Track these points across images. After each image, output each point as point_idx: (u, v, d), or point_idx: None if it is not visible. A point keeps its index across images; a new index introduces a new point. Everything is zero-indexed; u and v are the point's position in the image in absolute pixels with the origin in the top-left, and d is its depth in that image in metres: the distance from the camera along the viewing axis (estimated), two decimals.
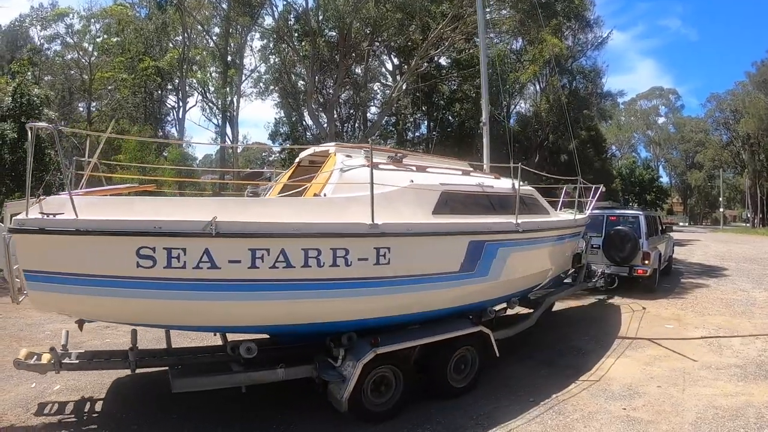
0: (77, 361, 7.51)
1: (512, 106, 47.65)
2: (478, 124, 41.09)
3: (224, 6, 38.27)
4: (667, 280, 21.06)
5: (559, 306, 14.99)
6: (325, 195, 7.59)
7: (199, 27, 42.54)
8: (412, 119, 45.58)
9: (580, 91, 45.38)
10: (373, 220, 7.03)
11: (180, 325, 7.70)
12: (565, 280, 14.81)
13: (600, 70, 47.91)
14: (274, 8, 35.47)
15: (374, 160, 7.81)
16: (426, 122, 46.04)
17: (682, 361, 10.42)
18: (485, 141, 16.59)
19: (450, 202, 8.61)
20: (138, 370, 7.79)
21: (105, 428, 7.16)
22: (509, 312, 11.44)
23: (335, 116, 39.57)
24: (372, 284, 7.27)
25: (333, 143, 9.47)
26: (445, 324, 8.50)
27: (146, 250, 5.88)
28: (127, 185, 8.64)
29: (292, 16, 36.14)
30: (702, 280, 21.60)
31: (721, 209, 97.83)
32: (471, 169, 10.93)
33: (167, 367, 7.80)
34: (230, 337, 8.21)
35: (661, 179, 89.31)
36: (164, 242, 5.93)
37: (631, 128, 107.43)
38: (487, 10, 31.41)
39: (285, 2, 35.36)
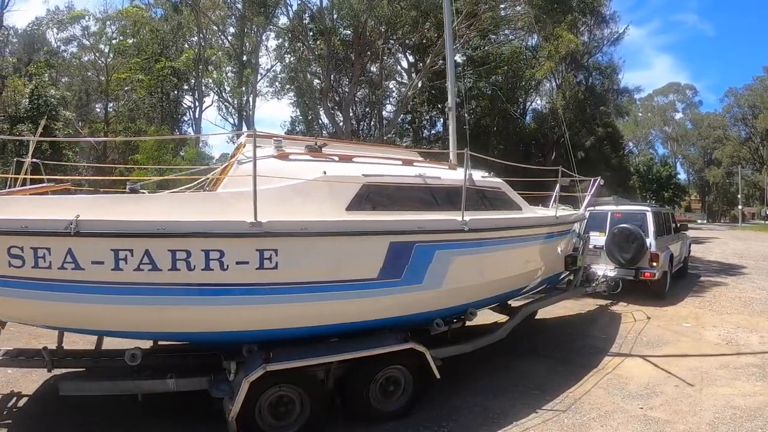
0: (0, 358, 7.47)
1: (528, 103, 47.50)
2: (495, 120, 41.47)
3: (239, 6, 38.37)
4: (681, 284, 19.03)
5: (560, 312, 14.52)
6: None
7: (215, 27, 42.65)
8: (427, 117, 45.49)
9: (596, 88, 45.15)
10: (255, 218, 6.21)
11: (53, 326, 7.17)
12: (561, 284, 13.33)
13: (616, 66, 47.63)
14: (289, 8, 35.51)
15: (290, 150, 7.70)
16: (442, 120, 45.91)
17: (699, 360, 10.30)
18: (451, 128, 14.87)
19: (374, 196, 7.68)
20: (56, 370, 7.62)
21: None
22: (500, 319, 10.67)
23: (351, 115, 39.57)
24: (256, 291, 6.47)
25: (248, 131, 8.33)
26: (368, 339, 7.47)
27: (16, 250, 5.73)
28: (44, 185, 8.24)
29: (306, 15, 36.14)
30: (720, 279, 21.23)
31: (740, 206, 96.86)
32: (419, 158, 9.85)
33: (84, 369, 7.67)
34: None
35: (678, 176, 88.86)
36: (31, 241, 5.73)
37: (648, 124, 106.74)
38: (502, 6, 31.34)
39: (299, 1, 35.37)
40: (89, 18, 43.05)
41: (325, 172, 7.38)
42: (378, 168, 8.29)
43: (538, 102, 49.75)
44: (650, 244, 15.74)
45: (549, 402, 8.22)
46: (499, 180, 10.20)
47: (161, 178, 10.86)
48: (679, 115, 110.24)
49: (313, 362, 6.85)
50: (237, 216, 6.26)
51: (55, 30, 44.98)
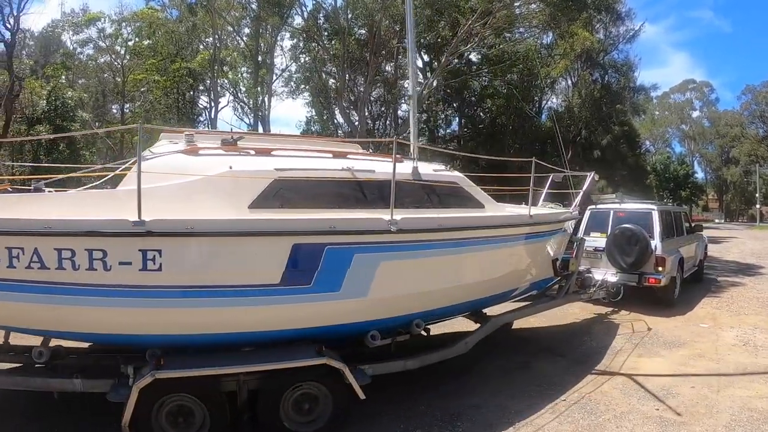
0: None
1: (544, 102, 47.35)
2: (510, 119, 41.40)
3: (254, 7, 38.46)
4: (695, 289, 17.56)
5: (576, 312, 14.25)
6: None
7: (230, 28, 42.74)
8: (443, 116, 45.48)
9: (612, 86, 45.01)
10: (139, 217, 5.86)
11: None
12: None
13: (632, 63, 47.44)
14: (304, 8, 35.63)
15: (204, 145, 7.46)
16: (457, 119, 45.90)
17: (716, 362, 10.18)
18: (412, 118, 12.99)
19: (285, 192, 7.11)
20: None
21: None
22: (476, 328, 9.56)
23: (366, 114, 39.60)
24: (140, 294, 6.16)
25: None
26: (277, 352, 6.92)
27: None
28: None
29: (321, 15, 36.30)
30: (738, 279, 20.93)
31: (758, 205, 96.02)
32: (359, 151, 9.34)
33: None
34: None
35: (696, 175, 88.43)
36: None
37: (665, 122, 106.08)
38: (516, 4, 31.24)
39: (314, 2, 35.54)
40: (105, 20, 43.25)
41: (231, 167, 6.97)
42: (298, 162, 7.71)
43: (554, 100, 49.63)
44: (655, 246, 14.30)
45: (564, 402, 8.16)
46: (456, 174, 9.31)
47: (67, 175, 10.48)
48: (696, 113, 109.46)
49: (209, 372, 6.40)
50: (134, 214, 5.92)
51: (71, 32, 45.20)
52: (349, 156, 8.42)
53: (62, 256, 5.85)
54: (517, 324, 12.04)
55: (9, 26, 32.49)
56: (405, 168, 8.38)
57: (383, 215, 7.23)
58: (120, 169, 7.25)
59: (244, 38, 43.04)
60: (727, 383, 9.04)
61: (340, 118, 39.97)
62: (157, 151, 7.60)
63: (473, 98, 43.14)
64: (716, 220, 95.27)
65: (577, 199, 12.34)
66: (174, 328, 6.54)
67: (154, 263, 6.03)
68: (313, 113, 45.66)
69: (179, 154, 7.25)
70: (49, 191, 7.67)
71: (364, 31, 35.06)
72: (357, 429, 7.32)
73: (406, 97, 43.20)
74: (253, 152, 7.76)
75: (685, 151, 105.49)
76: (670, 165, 78.74)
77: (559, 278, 11.91)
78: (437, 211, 8.32)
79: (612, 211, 15.74)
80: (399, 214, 7.34)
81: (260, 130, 42.35)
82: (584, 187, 12.52)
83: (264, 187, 6.95)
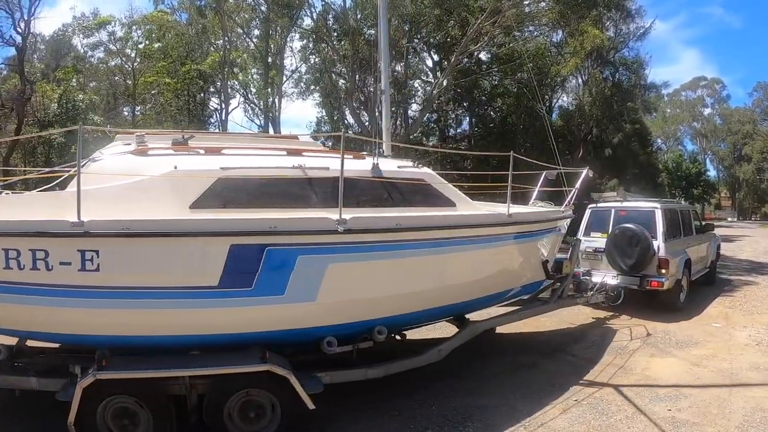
0: None
1: (554, 100, 47.18)
2: (521, 118, 41.28)
3: (263, 9, 38.52)
4: (706, 292, 16.80)
5: (588, 312, 14.00)
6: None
7: (239, 30, 42.86)
8: (453, 116, 45.40)
9: (623, 84, 44.70)
10: (78, 218, 5.89)
11: None
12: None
13: (643, 61, 46.97)
14: (313, 9, 35.65)
15: (155, 146, 7.37)
16: (468, 118, 45.79)
17: (729, 362, 10.11)
18: (384, 114, 13.12)
19: (228, 192, 6.95)
20: None
21: None
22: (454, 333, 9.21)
23: (376, 114, 39.52)
24: (80, 294, 6.14)
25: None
26: (220, 357, 6.77)
27: None
28: None
29: (330, 16, 36.25)
30: (751, 278, 20.77)
31: None
32: (314, 148, 8.91)
33: None
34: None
35: (708, 173, 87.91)
36: None
37: (676, 120, 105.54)
38: (526, 2, 31.17)
39: (323, 3, 35.50)
40: (115, 23, 43.45)
41: (175, 167, 6.86)
42: (245, 160, 7.52)
43: (565, 99, 49.44)
44: (658, 247, 13.48)
45: (575, 402, 8.13)
46: (424, 171, 8.86)
47: (19, 177, 10.47)
48: (707, 111, 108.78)
49: (147, 375, 6.33)
50: (83, 215, 5.96)
51: (81, 36, 45.42)
52: (304, 153, 8.01)
53: (9, 256, 5.92)
54: (528, 325, 11.97)
55: (20, 30, 32.72)
56: (364, 165, 8.11)
57: (331, 214, 6.93)
58: (73, 171, 6.94)
59: (254, 40, 43.15)
60: (740, 383, 8.98)
61: (350, 119, 39.96)
62: (107, 153, 7.57)
63: (483, 97, 43.00)
64: (729, 219, 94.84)
65: (569, 198, 11.75)
66: (114, 329, 6.48)
67: (92, 263, 6.04)
68: (324, 114, 45.64)
69: (128, 154, 7.22)
70: (7, 193, 7.90)
71: (373, 32, 35.00)
72: (367, 427, 7.32)
73: (415, 97, 43.65)
74: (202, 151, 7.61)
75: (697, 148, 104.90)
76: (682, 163, 78.33)
77: (552, 281, 11.57)
78: (400, 210, 7.92)
79: (613, 210, 15.07)
80: (353, 213, 7.10)
81: (271, 131, 42.51)
82: (577, 184, 11.97)
83: (206, 187, 6.83)
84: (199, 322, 6.64)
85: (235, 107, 49.66)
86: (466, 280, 8.86)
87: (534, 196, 11.83)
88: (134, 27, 43.53)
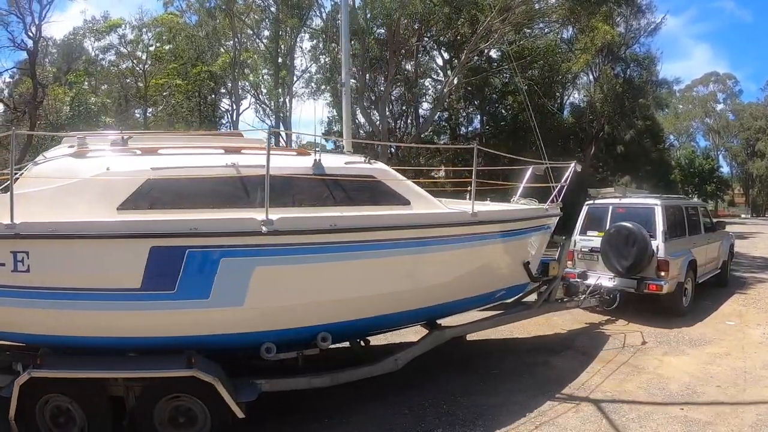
0: None
1: (565, 98, 47.04)
2: (533, 116, 41.10)
3: (273, 10, 38.63)
4: (716, 294, 15.90)
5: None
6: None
7: (249, 31, 42.99)
8: (464, 114, 45.35)
9: (634, 80, 44.41)
10: (12, 220, 5.96)
11: None
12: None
13: (654, 57, 46.69)
14: (322, 9, 35.71)
15: (95, 147, 7.28)
16: (479, 116, 45.71)
17: (743, 360, 10.03)
18: (345, 108, 12.64)
19: (157, 193, 6.75)
20: None
21: None
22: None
23: (387, 113, 39.57)
24: (13, 294, 6.18)
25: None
26: (149, 360, 6.59)
27: None
28: None
29: (339, 15, 36.28)
30: (765, 275, 20.49)
31: None
32: (256, 146, 8.21)
33: None
34: None
35: (721, 169, 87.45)
36: None
37: (688, 116, 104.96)
38: None
39: (333, 2, 35.53)
40: (125, 26, 43.64)
41: (108, 168, 6.75)
42: (177, 160, 7.27)
43: (576, 96, 49.23)
44: (657, 247, 12.64)
45: (587, 401, 8.08)
46: (376, 167, 8.34)
47: None
48: (720, 106, 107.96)
49: (79, 375, 6.34)
50: (19, 218, 6.01)
51: (92, 39, 45.62)
52: (243, 151, 7.67)
53: None
54: (540, 324, 11.94)
55: (31, 35, 32.88)
56: (305, 162, 7.74)
57: (257, 215, 6.61)
58: (22, 173, 7.15)
59: (264, 41, 43.26)
60: (754, 382, 8.93)
61: (361, 118, 39.97)
62: (50, 155, 7.52)
63: (494, 95, 42.94)
64: (742, 215, 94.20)
65: (554, 194, 10.84)
66: (47, 329, 6.45)
67: (23, 264, 6.07)
68: (335, 113, 45.68)
69: (68, 157, 7.14)
70: None
71: (383, 31, 35.04)
72: (377, 425, 7.32)
73: (426, 95, 43.63)
74: (139, 152, 7.39)
75: (710, 145, 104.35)
76: (694, 159, 77.98)
77: (538, 284, 11.04)
78: (345, 210, 7.46)
79: (611, 207, 14.14)
80: (287, 213, 6.84)
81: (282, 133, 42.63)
82: (563, 180, 10.95)
83: (135, 188, 6.68)
84: (125, 324, 6.54)
85: (246, 108, 49.84)
86: (426, 285, 8.33)
87: (518, 193, 11.09)
88: (144, 29, 43.67)
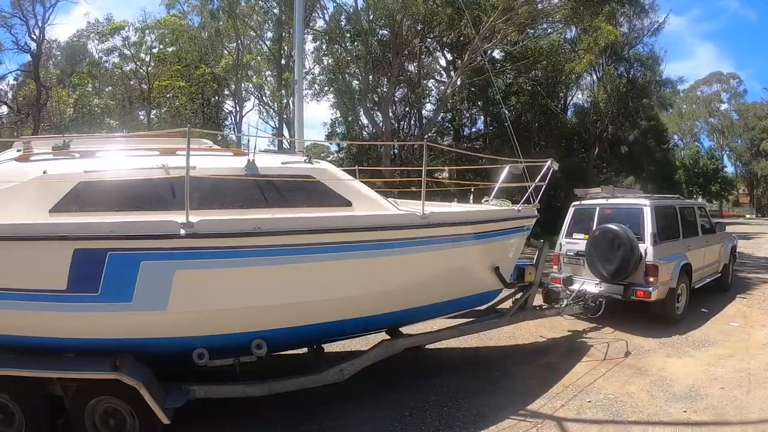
0: None
1: (569, 98, 47.04)
2: (535, 116, 41.21)
3: (275, 11, 38.71)
4: (718, 299, 15.05)
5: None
6: None
7: (252, 33, 43.08)
8: (468, 115, 45.40)
9: (638, 80, 44.54)
10: None
11: None
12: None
13: (658, 56, 46.81)
14: (325, 11, 35.79)
15: (39, 151, 7.25)
16: (482, 117, 45.75)
17: (747, 362, 9.91)
18: (297, 107, 11.83)
19: (87, 195, 6.65)
20: None
21: None
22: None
23: (390, 114, 39.64)
24: None
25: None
26: (77, 361, 6.54)
27: None
28: None
29: (343, 17, 36.41)
30: None
31: None
32: (194, 147, 7.48)
33: None
34: None
35: (725, 169, 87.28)
36: None
37: (692, 116, 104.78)
38: None
39: (335, 4, 35.62)
40: (129, 29, 43.77)
41: (45, 172, 6.70)
42: (111, 162, 7.20)
43: (579, 96, 49.27)
44: (645, 250, 11.86)
45: (590, 404, 7.98)
46: (316, 167, 7.94)
47: None
48: (724, 106, 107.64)
49: (8, 373, 6.33)
50: None
51: (96, 41, 45.76)
52: (178, 153, 7.33)
53: None
54: (542, 324, 11.88)
55: (34, 37, 33.04)
56: (238, 163, 7.46)
57: (179, 217, 6.34)
58: None
59: (267, 42, 43.33)
60: (758, 384, 8.78)
61: (364, 119, 40.08)
62: None
63: (498, 96, 43.01)
64: (747, 216, 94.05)
65: (528, 194, 10.06)
66: None
67: None
68: (338, 115, 45.81)
69: (12, 160, 7.12)
70: None
71: (386, 32, 35.10)
72: (377, 428, 7.29)
73: (429, 96, 43.65)
74: (78, 155, 7.26)
75: (714, 145, 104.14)
76: (699, 159, 77.93)
77: (515, 290, 10.54)
78: (278, 211, 7.15)
79: (598, 208, 13.33)
80: (213, 215, 6.62)
81: (285, 132, 42.70)
82: (537, 179, 10.20)
83: (67, 191, 6.59)
84: (54, 325, 6.44)
85: (250, 110, 49.92)
86: (377, 291, 7.87)
87: (493, 194, 10.62)
88: (147, 32, 43.77)
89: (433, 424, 7.33)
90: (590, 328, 12.12)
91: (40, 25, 32.68)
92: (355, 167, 9.95)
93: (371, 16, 33.90)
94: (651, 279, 11.66)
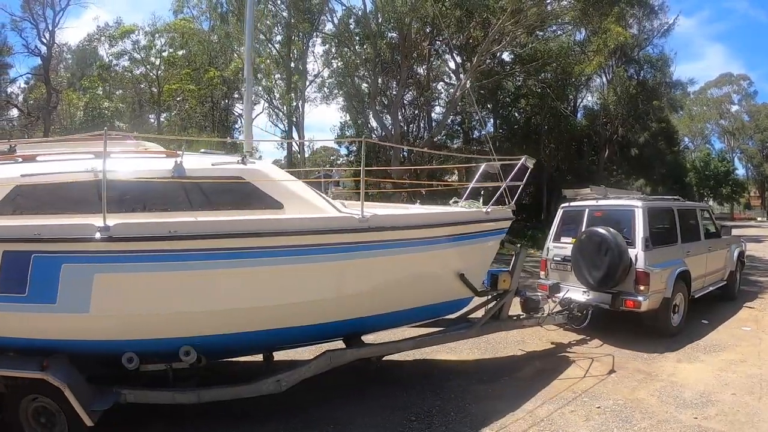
0: None
1: (579, 100, 46.89)
2: (545, 119, 41.12)
3: (285, 14, 38.75)
4: (722, 309, 14.09)
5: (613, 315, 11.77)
6: None
7: (262, 36, 43.16)
8: (477, 117, 45.32)
9: (648, 82, 44.33)
10: None
11: None
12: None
13: (668, 58, 46.58)
14: (334, 14, 35.82)
15: None
16: (492, 120, 45.67)
17: (759, 367, 9.78)
18: (246, 106, 11.68)
19: (23, 199, 6.73)
20: None
21: None
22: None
23: (400, 117, 39.62)
24: None
25: None
26: (13, 360, 6.62)
27: None
28: None
29: (351, 20, 36.45)
30: None
31: None
32: (125, 149, 7.94)
33: None
34: None
35: (737, 171, 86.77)
36: None
37: (703, 118, 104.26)
38: (548, 0, 31.01)
39: (344, 7, 35.64)
40: (138, 32, 43.94)
41: None
42: (54, 166, 7.16)
43: (589, 98, 49.11)
44: (636, 256, 10.99)
45: (598, 409, 7.90)
46: (248, 168, 7.62)
47: None
48: (735, 108, 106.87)
49: None
50: None
51: (106, 45, 45.99)
52: (112, 155, 7.19)
53: None
54: (553, 328, 11.77)
55: (45, 41, 33.19)
56: (165, 165, 7.17)
57: (96, 221, 6.29)
58: None
59: (276, 45, 43.40)
60: None
61: (373, 122, 40.10)
62: None
63: (507, 99, 42.92)
64: (758, 218, 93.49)
65: (497, 195, 9.32)
66: None
67: None
68: (347, 118, 45.83)
69: None
70: None
71: (395, 35, 35.07)
72: None
73: (438, 99, 43.60)
74: (20, 159, 7.35)
75: (725, 147, 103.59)
76: (710, 162, 77.52)
77: (488, 298, 9.89)
78: (203, 214, 6.92)
79: (587, 210, 12.44)
80: (134, 219, 6.58)
81: (295, 135, 42.79)
82: (509, 178, 9.37)
83: (4, 195, 6.68)
84: None
85: (259, 113, 49.97)
86: (315, 299, 7.48)
87: (466, 194, 10.20)
88: (157, 35, 43.92)
89: (439, 429, 7.30)
90: (601, 332, 11.97)
91: (50, 28, 32.87)
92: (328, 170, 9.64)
93: (380, 19, 33.87)
94: (641, 287, 10.84)
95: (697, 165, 75.16)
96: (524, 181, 9.47)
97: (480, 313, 10.10)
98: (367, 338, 8.88)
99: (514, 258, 10.21)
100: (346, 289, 7.68)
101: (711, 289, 13.79)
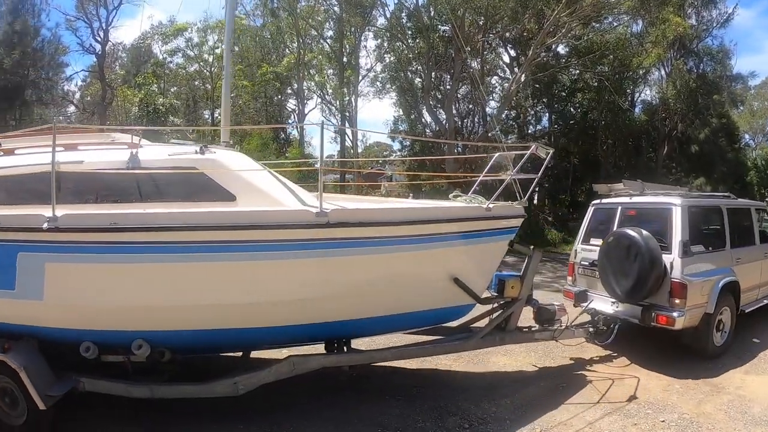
0: None
1: (637, 94, 45.82)
2: (602, 114, 40.26)
3: (336, 9, 38.79)
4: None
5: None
6: None
7: (314, 32, 43.31)
8: (532, 112, 44.73)
9: (708, 75, 43.01)
10: None
11: None
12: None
13: (728, 50, 45.13)
14: (386, 8, 35.71)
15: None
16: (547, 115, 45.04)
17: None
18: (224, 97, 11.02)
19: None
20: None
21: None
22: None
23: (454, 112, 39.34)
24: None
25: None
26: None
27: None
28: None
29: (403, 14, 36.22)
30: None
31: None
32: (105, 141, 8.01)
33: None
34: None
35: None
36: None
37: (765, 114, 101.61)
38: None
39: (396, 1, 35.54)
40: (191, 30, 44.48)
41: None
42: (26, 159, 7.32)
43: (648, 93, 47.91)
44: (671, 263, 9.29)
45: (663, 423, 7.43)
46: (204, 158, 7.28)
47: None
48: None
49: None
50: None
51: (160, 43, 46.70)
52: (79, 147, 7.42)
53: None
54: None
55: (99, 39, 33.74)
56: (122, 156, 7.13)
57: (47, 211, 6.32)
58: None
59: (328, 41, 43.51)
60: None
61: (427, 117, 39.89)
62: None
63: (563, 93, 42.20)
64: None
65: (500, 190, 8.41)
66: None
67: None
68: (401, 112, 45.74)
69: None
70: None
71: (447, 28, 34.76)
72: None
73: (493, 93, 43.10)
74: (2, 153, 7.64)
75: None
76: None
77: (493, 306, 9.11)
78: (152, 206, 6.72)
79: (620, 208, 10.84)
80: (84, 210, 6.62)
81: (348, 130, 42.84)
82: (515, 170, 8.58)
83: None
84: None
85: (312, 108, 50.19)
86: (279, 298, 7.03)
87: (473, 188, 9.21)
88: (209, 32, 44.39)
89: None
90: (665, 339, 11.35)
91: (104, 27, 33.46)
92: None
93: (432, 12, 33.60)
94: (677, 301, 9.17)
95: (758, 163, 73.12)
96: (540, 174, 8.59)
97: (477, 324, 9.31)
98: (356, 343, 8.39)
99: (525, 262, 9.15)
100: (308, 291, 7.08)
101: (766, 302, 11.93)
